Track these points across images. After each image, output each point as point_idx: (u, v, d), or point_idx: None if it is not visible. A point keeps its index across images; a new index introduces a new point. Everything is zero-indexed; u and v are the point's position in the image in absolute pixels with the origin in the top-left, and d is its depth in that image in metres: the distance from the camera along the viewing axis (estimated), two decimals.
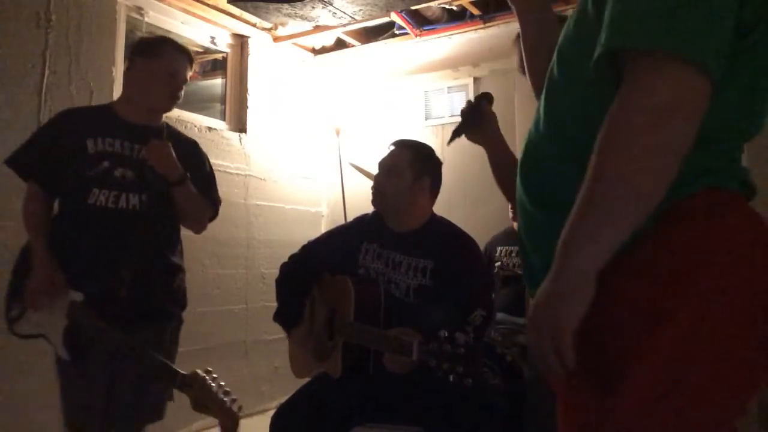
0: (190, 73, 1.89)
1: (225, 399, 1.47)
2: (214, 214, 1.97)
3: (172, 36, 3.43)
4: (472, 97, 3.99)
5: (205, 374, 1.52)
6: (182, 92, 1.87)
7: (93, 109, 2.07)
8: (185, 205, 1.84)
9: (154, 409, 1.79)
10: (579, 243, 0.75)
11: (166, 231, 1.87)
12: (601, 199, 0.73)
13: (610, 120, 0.74)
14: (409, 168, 1.89)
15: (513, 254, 2.70)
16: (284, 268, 2.02)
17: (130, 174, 1.75)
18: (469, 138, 1.53)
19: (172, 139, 1.84)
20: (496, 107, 1.53)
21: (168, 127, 1.93)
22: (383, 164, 1.93)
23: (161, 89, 1.83)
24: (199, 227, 1.96)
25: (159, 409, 1.81)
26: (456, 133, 1.52)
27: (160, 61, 1.82)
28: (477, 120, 1.51)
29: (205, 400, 1.49)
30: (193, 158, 1.91)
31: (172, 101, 1.86)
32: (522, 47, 1.19)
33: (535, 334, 0.79)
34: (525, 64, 1.20)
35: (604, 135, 0.74)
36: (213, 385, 1.50)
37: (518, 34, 1.24)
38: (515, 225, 2.81)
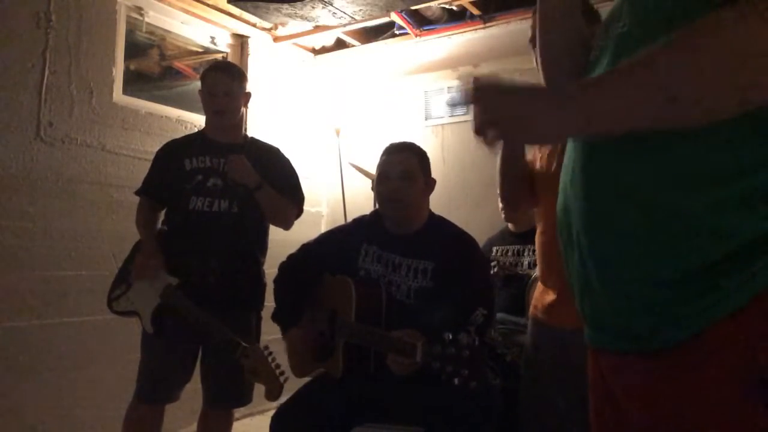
0: (233, 83, 2.11)
1: (274, 369, 1.78)
2: (299, 212, 2.21)
3: (172, 36, 3.44)
4: None
5: (263, 348, 1.81)
6: (228, 104, 2.11)
7: (189, 136, 2.39)
8: (268, 206, 2.09)
9: (243, 393, 2.08)
10: (607, 92, 0.70)
11: (255, 232, 2.15)
12: (664, 74, 0.67)
13: (720, 22, 0.65)
14: (421, 172, 1.90)
15: (508, 253, 2.73)
16: (283, 268, 2.02)
17: (220, 183, 2.07)
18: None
19: (253, 149, 2.15)
20: None
21: (252, 140, 2.26)
22: (396, 171, 1.87)
23: (207, 110, 2.16)
24: (285, 225, 2.21)
25: (248, 394, 2.10)
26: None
27: (203, 87, 2.15)
28: None
29: (258, 368, 1.78)
30: (273, 165, 2.18)
31: (217, 116, 2.13)
32: (541, 18, 1.04)
33: (491, 94, 0.76)
34: (543, 38, 1.05)
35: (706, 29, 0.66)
36: (268, 357, 1.79)
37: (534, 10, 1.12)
38: (510, 226, 2.83)
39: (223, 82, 2.10)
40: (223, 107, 2.11)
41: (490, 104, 0.75)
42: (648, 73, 0.68)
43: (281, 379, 1.77)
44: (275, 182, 2.09)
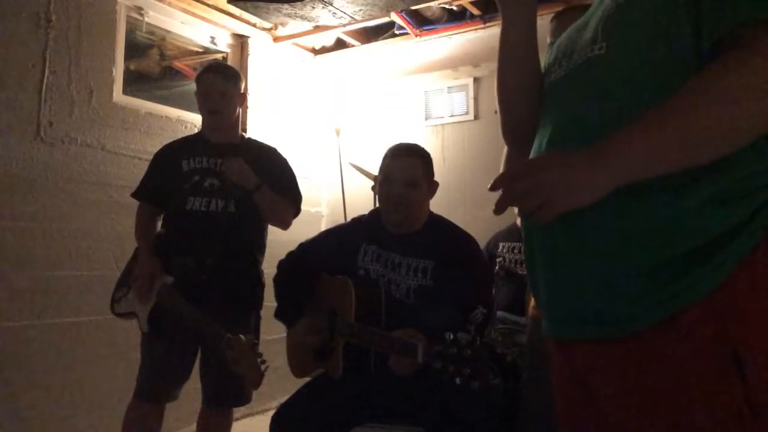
0: (228, 84, 2.11)
1: (256, 359, 1.78)
2: (296, 212, 2.22)
3: (172, 36, 3.44)
4: (472, 97, 4.00)
5: (245, 340, 1.82)
6: (224, 105, 2.12)
7: (187, 137, 2.39)
8: (266, 207, 2.10)
9: (242, 393, 2.08)
10: (643, 136, 0.72)
11: (252, 232, 2.15)
12: (701, 113, 0.71)
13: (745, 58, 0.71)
14: (424, 177, 1.89)
15: (515, 250, 2.69)
16: (282, 265, 2.03)
17: (217, 183, 2.08)
18: None
19: (251, 150, 2.16)
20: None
21: (249, 140, 2.28)
22: (403, 177, 1.86)
23: (203, 111, 2.17)
24: (283, 225, 2.22)
25: (247, 394, 2.10)
26: None
27: (199, 89, 2.16)
28: None
29: (239, 358, 1.79)
30: (271, 165, 2.18)
31: (213, 117, 2.14)
32: (503, 48, 1.05)
33: (532, 173, 0.75)
34: (504, 66, 1.06)
35: (739, 60, 0.71)
36: (251, 349, 1.80)
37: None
38: (518, 222, 2.80)
39: (218, 84, 2.11)
40: (218, 108, 2.12)
41: (538, 184, 0.75)
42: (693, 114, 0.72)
43: (262, 367, 1.78)
44: (273, 182, 2.10)
